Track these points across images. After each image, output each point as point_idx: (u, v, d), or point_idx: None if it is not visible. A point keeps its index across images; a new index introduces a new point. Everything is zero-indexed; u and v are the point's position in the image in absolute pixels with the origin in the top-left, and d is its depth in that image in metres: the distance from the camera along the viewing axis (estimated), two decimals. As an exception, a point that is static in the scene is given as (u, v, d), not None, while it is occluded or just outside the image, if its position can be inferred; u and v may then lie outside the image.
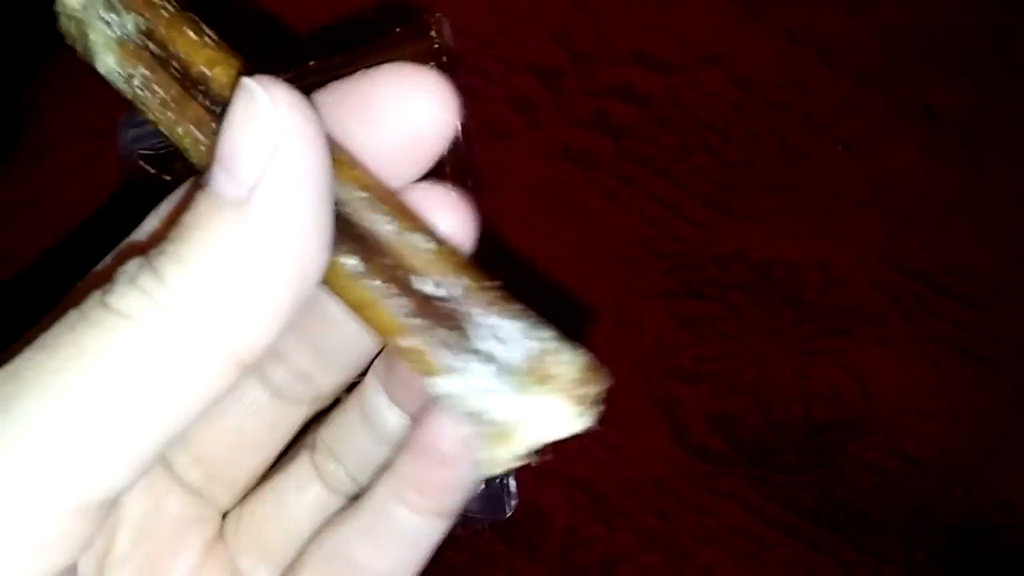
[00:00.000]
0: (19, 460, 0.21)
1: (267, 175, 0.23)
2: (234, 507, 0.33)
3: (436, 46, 0.71)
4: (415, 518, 0.30)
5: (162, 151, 0.72)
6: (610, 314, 0.73)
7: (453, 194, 0.28)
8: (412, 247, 0.25)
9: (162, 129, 0.28)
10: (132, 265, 0.24)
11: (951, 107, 0.74)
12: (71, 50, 0.27)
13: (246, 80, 0.24)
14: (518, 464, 0.26)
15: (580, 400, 0.25)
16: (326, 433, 0.33)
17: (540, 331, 0.25)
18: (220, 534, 0.32)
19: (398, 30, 0.72)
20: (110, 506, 0.23)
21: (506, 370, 0.25)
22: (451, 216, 0.28)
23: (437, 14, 0.72)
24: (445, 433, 0.28)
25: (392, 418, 0.31)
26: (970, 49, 0.75)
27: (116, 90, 0.27)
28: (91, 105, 0.76)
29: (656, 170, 0.75)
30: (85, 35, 0.26)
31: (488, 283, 0.26)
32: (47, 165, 0.76)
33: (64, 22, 0.27)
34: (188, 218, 0.24)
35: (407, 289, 0.25)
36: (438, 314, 0.25)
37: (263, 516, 0.32)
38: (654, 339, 0.73)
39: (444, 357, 0.25)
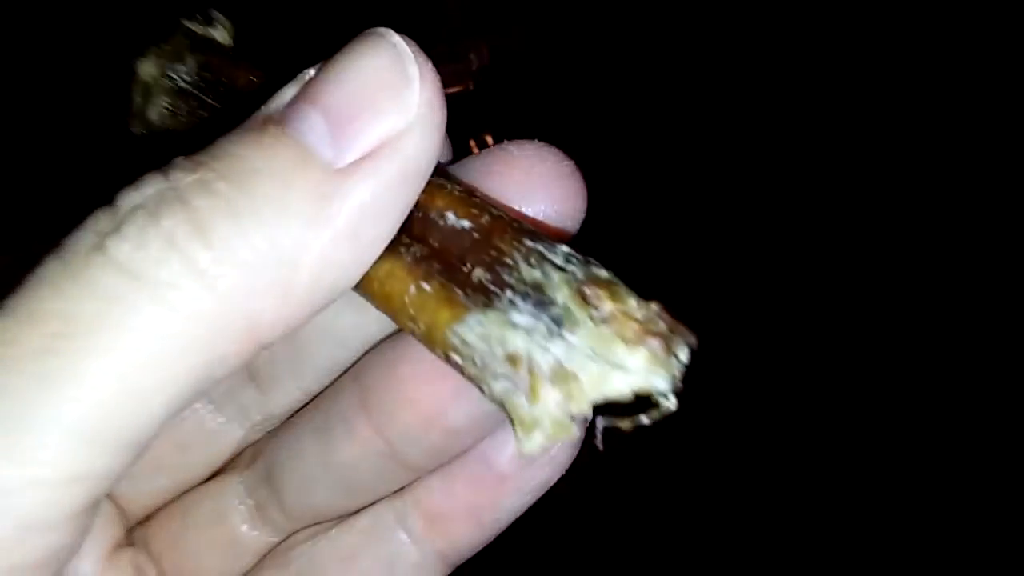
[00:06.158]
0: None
1: (380, 158, 0.19)
2: (154, 514, 0.29)
3: (474, 67, 0.76)
4: (412, 552, 0.26)
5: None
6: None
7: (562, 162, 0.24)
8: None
9: None
10: (150, 193, 0.19)
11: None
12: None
13: (392, 35, 0.20)
14: (568, 436, 0.20)
15: (653, 350, 0.19)
16: (266, 447, 0.27)
17: (598, 269, 0.21)
18: (129, 541, 0.28)
19: (439, 48, 0.78)
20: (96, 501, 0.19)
21: (553, 302, 0.20)
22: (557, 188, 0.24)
23: (476, 37, 0.78)
24: (502, 447, 0.24)
25: (361, 438, 0.25)
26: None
27: None
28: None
29: (674, 189, 0.80)
30: None
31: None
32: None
33: None
34: (254, 157, 0.19)
35: (425, 235, 0.22)
36: (466, 252, 0.21)
37: (172, 536, 0.28)
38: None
39: (472, 296, 0.20)
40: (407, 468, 0.26)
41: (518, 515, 0.25)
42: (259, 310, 0.19)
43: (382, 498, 0.26)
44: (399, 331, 0.26)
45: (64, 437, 0.18)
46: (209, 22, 0.28)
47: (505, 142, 0.25)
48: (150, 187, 0.19)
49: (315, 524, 0.27)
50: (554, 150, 0.24)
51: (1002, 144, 0.78)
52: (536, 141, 0.24)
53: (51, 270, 0.19)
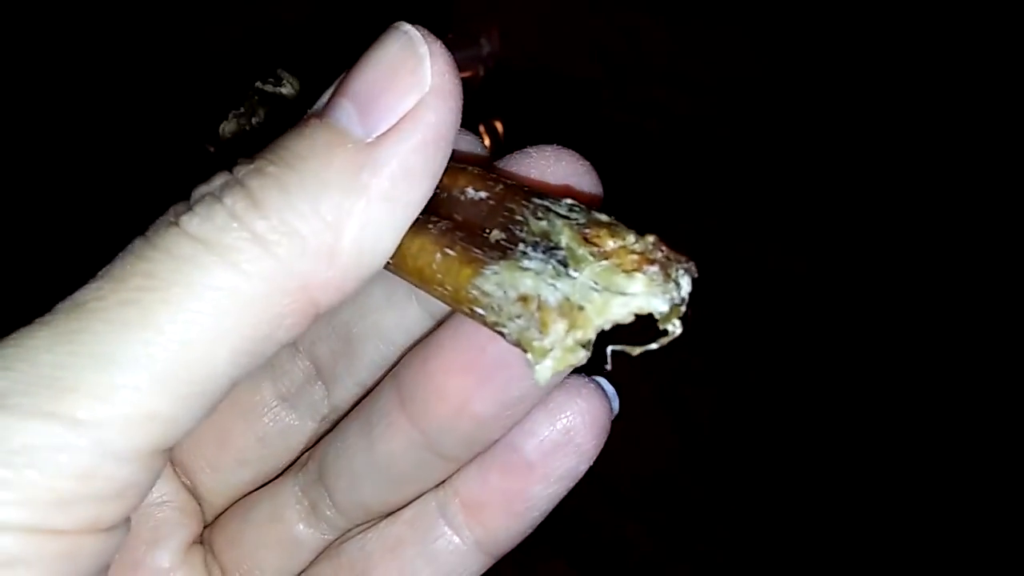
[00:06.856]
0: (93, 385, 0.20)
1: (404, 128, 0.22)
2: (222, 514, 0.31)
3: (485, 53, 0.77)
4: (454, 542, 0.27)
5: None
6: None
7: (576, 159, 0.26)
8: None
9: None
10: (216, 184, 0.22)
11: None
12: None
13: (404, 25, 0.23)
14: (577, 361, 0.21)
15: (651, 276, 0.21)
16: (319, 450, 0.30)
17: (599, 214, 0.23)
18: (201, 539, 0.30)
19: (449, 36, 0.78)
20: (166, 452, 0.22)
21: (558, 246, 0.22)
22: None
23: (487, 22, 0.78)
24: (529, 434, 0.26)
25: (399, 431, 0.27)
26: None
27: None
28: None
29: (679, 184, 0.81)
30: None
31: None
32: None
33: None
34: (298, 145, 0.22)
35: (451, 213, 0.24)
36: (485, 219, 0.23)
37: (231, 535, 0.30)
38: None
39: (489, 253, 0.22)
40: (444, 458, 0.27)
41: (551, 505, 0.26)
42: (310, 272, 0.22)
43: (427, 492, 0.27)
44: (432, 331, 0.28)
45: (140, 377, 0.20)
46: (279, 81, 0.32)
47: (527, 147, 0.26)
48: (217, 180, 0.22)
49: (367, 521, 0.28)
50: (571, 152, 0.26)
51: (1005, 144, 0.79)
52: (554, 144, 0.26)
53: (136, 244, 0.22)
